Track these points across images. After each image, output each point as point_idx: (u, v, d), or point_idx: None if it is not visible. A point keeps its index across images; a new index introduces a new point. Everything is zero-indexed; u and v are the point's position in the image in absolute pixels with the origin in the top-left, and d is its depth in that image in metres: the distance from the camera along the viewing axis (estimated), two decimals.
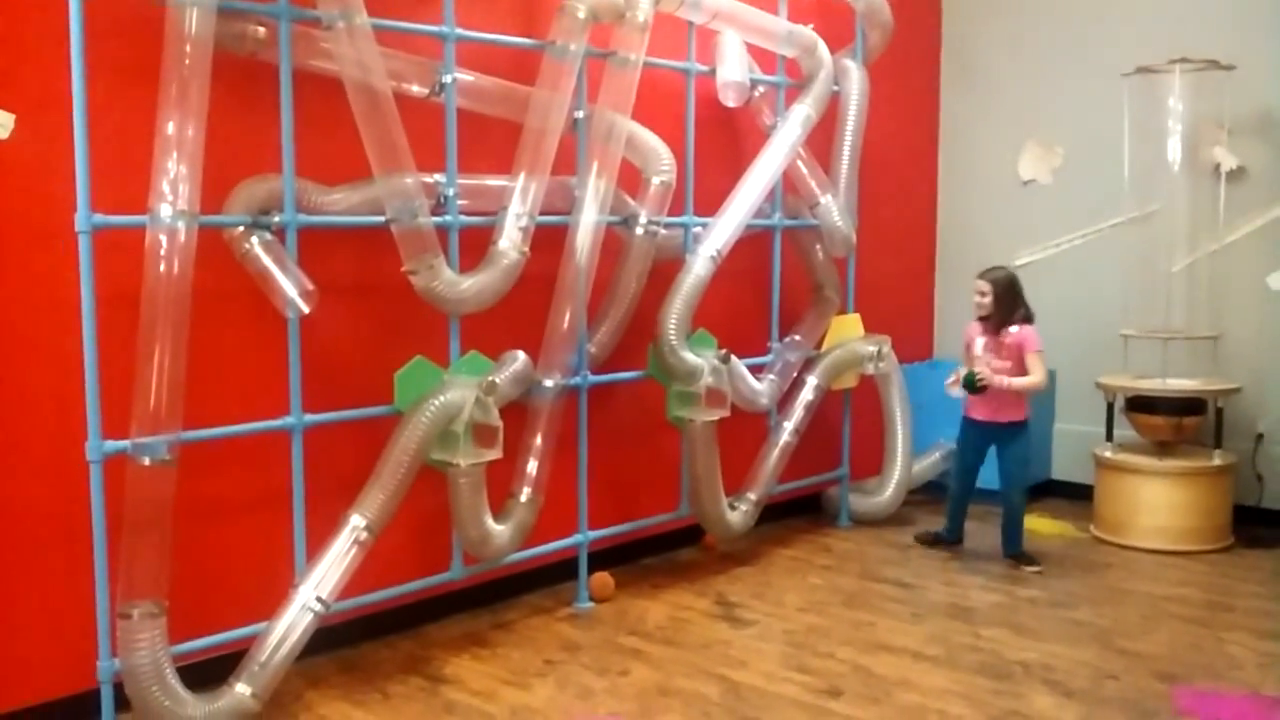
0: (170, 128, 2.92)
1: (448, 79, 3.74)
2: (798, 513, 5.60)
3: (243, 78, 3.36)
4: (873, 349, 5.33)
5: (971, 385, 4.71)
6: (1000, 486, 4.88)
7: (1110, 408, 5.39)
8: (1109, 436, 5.40)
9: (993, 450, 4.90)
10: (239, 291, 3.37)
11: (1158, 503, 5.08)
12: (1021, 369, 4.69)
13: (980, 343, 4.79)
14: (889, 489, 5.49)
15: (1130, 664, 3.74)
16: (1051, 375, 5.35)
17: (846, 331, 5.37)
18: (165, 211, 2.92)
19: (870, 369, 5.34)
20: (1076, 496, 5.72)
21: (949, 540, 5.10)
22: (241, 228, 3.31)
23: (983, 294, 4.74)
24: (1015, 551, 4.83)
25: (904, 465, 5.50)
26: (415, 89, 3.72)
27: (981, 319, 4.80)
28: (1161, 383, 5.22)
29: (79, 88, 2.90)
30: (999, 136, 6.22)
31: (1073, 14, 5.92)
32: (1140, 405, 5.26)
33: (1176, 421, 5.16)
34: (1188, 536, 5.05)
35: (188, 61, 2.93)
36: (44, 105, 3.02)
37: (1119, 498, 5.21)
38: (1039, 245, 5.94)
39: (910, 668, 3.71)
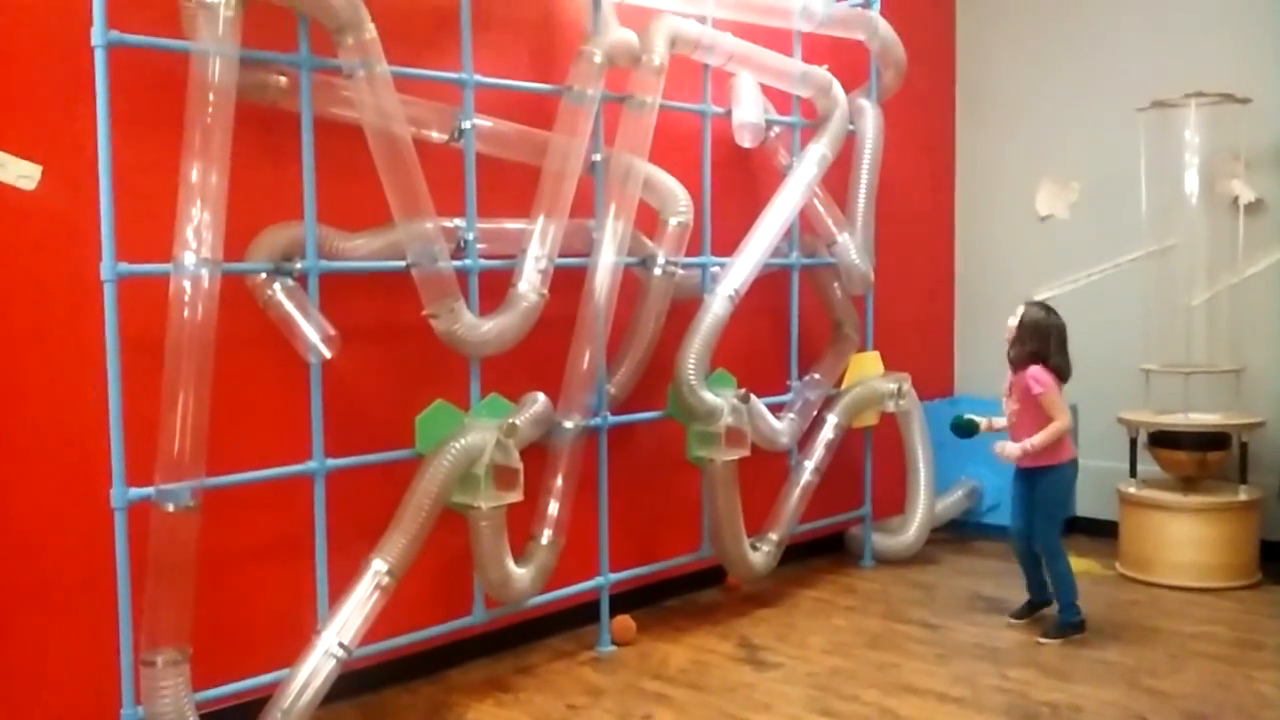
0: (194, 176, 2.95)
1: (467, 125, 3.78)
2: (821, 553, 5.57)
3: (265, 126, 3.40)
4: (893, 386, 5.31)
5: (955, 426, 4.55)
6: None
7: (1133, 443, 5.34)
8: (1132, 472, 5.35)
9: None
10: (262, 337, 3.39)
11: (1183, 539, 5.03)
12: (1031, 412, 4.35)
13: (1007, 380, 4.49)
14: (912, 528, 5.45)
15: (1159, 704, 3.70)
16: (1073, 410, 5.30)
17: (866, 369, 5.35)
18: (189, 259, 2.94)
19: (891, 407, 5.32)
20: (1100, 533, 5.65)
21: (1038, 602, 4.61)
22: (264, 274, 3.34)
23: (1013, 318, 4.40)
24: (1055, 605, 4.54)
25: (927, 504, 5.46)
26: (435, 135, 3.75)
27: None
28: (1184, 417, 5.18)
29: (104, 138, 2.94)
30: (1015, 172, 6.23)
31: (1087, 50, 5.94)
32: (1163, 440, 5.22)
33: (1200, 456, 5.12)
34: (1214, 573, 4.99)
35: (211, 111, 2.96)
36: (69, 156, 3.05)
37: (1144, 534, 5.16)
38: (1057, 281, 5.92)
39: (936, 709, 3.67)
